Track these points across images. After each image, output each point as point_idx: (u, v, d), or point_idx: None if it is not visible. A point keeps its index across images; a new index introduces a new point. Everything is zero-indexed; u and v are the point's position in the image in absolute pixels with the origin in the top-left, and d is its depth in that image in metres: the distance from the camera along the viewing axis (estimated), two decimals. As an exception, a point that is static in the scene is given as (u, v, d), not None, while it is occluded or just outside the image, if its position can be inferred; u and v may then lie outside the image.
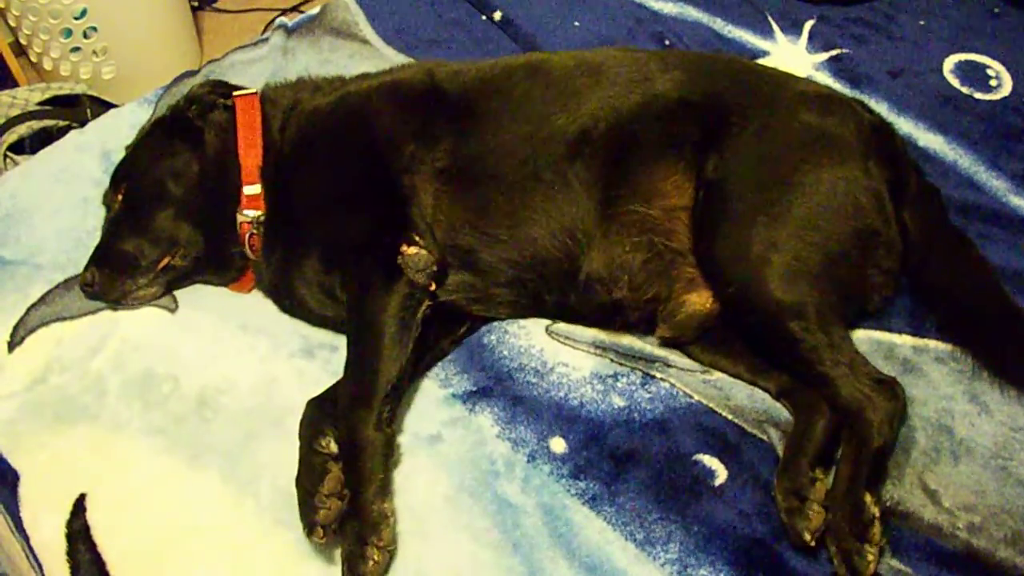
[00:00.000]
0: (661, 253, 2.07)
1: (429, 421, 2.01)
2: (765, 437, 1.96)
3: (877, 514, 1.75)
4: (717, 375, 2.09)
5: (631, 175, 2.10)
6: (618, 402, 2.02)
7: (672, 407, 2.01)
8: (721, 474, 1.90)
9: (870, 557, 1.72)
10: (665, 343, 2.14)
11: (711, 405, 2.01)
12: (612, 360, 2.10)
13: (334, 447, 1.86)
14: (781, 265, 1.95)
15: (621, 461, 1.92)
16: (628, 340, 2.15)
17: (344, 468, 1.82)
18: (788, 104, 2.17)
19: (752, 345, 2.07)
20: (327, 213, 2.16)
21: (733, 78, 2.24)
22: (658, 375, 2.07)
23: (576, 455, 1.94)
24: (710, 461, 1.92)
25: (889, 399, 1.89)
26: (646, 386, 2.05)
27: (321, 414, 1.93)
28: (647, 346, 2.14)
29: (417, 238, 2.03)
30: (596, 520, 1.84)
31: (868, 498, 1.77)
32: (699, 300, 2.07)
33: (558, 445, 1.95)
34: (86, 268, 2.20)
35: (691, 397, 2.03)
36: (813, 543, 1.75)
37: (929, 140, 2.59)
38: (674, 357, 2.12)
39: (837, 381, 1.90)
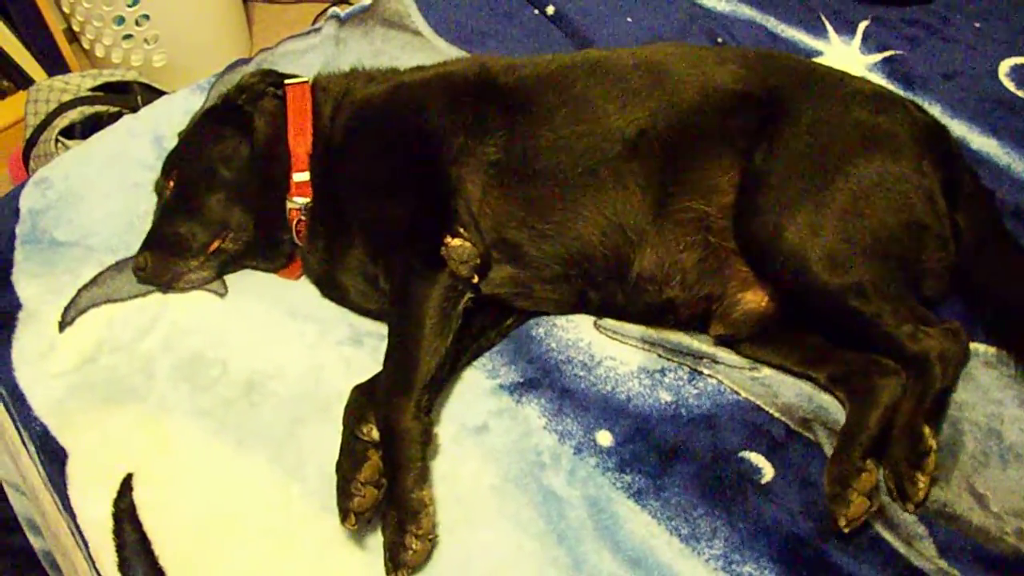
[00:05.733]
0: (717, 252, 2.07)
1: (476, 411, 2.01)
2: (812, 436, 1.95)
3: (934, 446, 1.82)
4: (765, 372, 2.08)
5: (688, 171, 2.09)
6: (665, 397, 2.02)
7: (719, 403, 2.01)
8: (767, 472, 1.89)
9: (921, 484, 1.80)
10: (720, 341, 2.13)
11: (759, 402, 2.00)
12: (660, 355, 2.10)
13: (376, 434, 1.86)
14: (829, 248, 1.95)
15: (667, 456, 1.92)
16: (676, 336, 2.14)
17: (383, 456, 1.83)
18: (842, 100, 2.15)
19: (814, 328, 2.07)
20: (373, 202, 2.16)
21: (789, 72, 2.22)
22: (705, 371, 2.07)
23: (622, 448, 1.93)
24: (756, 459, 1.92)
25: (953, 343, 1.95)
26: (693, 382, 2.05)
27: (365, 401, 1.93)
28: (695, 342, 2.13)
29: (461, 230, 2.03)
30: (641, 514, 1.84)
31: (927, 430, 1.84)
32: (755, 299, 2.07)
33: (604, 438, 1.95)
34: (139, 252, 2.21)
35: (738, 394, 2.02)
36: (847, 530, 1.75)
37: (983, 143, 2.56)
38: (722, 354, 2.11)
39: (903, 339, 1.93)
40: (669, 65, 2.22)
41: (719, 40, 2.93)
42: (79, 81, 3.59)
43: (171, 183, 2.29)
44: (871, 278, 1.94)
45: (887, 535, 1.80)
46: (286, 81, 2.36)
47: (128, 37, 4.34)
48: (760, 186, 2.04)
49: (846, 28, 2.98)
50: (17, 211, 2.47)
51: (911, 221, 2.01)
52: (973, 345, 2.08)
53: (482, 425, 1.99)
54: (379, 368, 1.99)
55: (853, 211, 1.98)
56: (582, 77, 2.22)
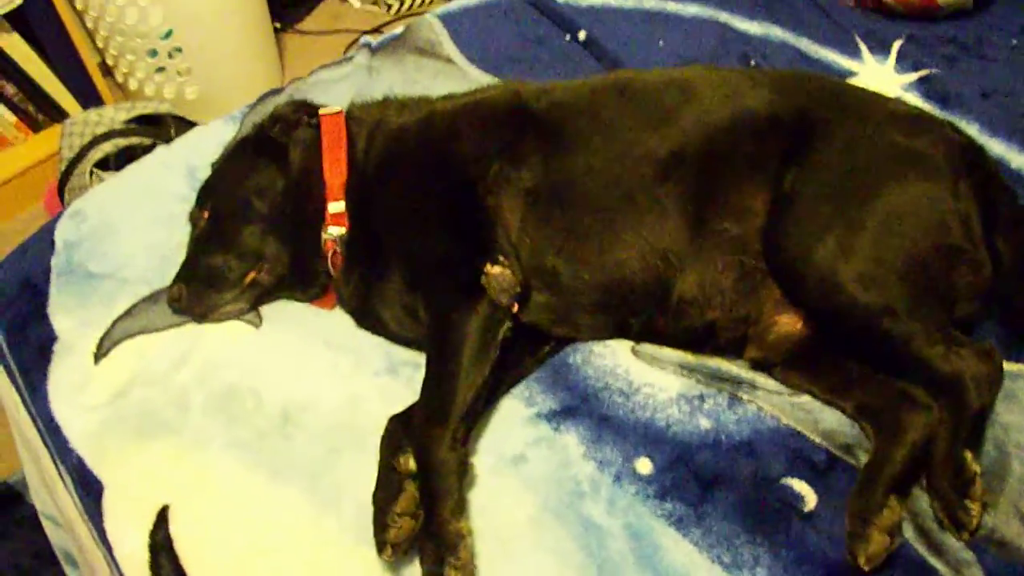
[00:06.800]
0: (751, 274, 2.04)
1: (514, 441, 1.99)
2: (855, 462, 1.91)
3: (978, 471, 1.79)
4: (805, 397, 2.04)
5: (722, 194, 2.07)
6: (705, 424, 1.99)
7: (759, 430, 1.98)
8: (810, 499, 1.86)
9: (974, 512, 1.76)
10: (755, 364, 2.11)
11: (799, 428, 1.97)
12: (699, 381, 2.07)
13: (412, 465, 1.85)
14: (860, 269, 1.92)
15: (708, 483, 1.89)
16: (715, 361, 2.12)
17: (419, 487, 1.82)
18: (876, 122, 2.12)
19: (845, 350, 2.03)
20: (411, 231, 2.15)
21: (821, 95, 2.20)
22: (745, 397, 2.04)
23: (662, 476, 1.91)
24: (799, 486, 1.88)
25: (986, 364, 1.89)
26: (733, 408, 2.02)
27: (401, 431, 1.92)
28: (733, 367, 2.11)
29: (501, 258, 2.02)
30: (683, 542, 1.81)
31: (968, 456, 1.81)
32: (789, 322, 2.04)
33: (644, 466, 1.93)
34: (173, 284, 2.21)
35: (779, 420, 1.99)
36: (868, 569, 1.71)
37: (1022, 162, 2.52)
38: (761, 379, 2.08)
39: (935, 360, 1.88)
40: (700, 87, 2.20)
41: (752, 63, 2.92)
42: (113, 114, 3.62)
43: (206, 214, 2.29)
44: (902, 299, 1.91)
45: (935, 562, 1.76)
46: (320, 111, 2.35)
47: (161, 70, 4.38)
48: (790, 208, 2.02)
49: (880, 48, 2.95)
50: (52, 243, 2.48)
51: (944, 244, 1.97)
52: (1018, 366, 2.05)
53: (520, 455, 1.96)
54: (415, 398, 1.98)
55: (885, 233, 1.95)
56: (614, 100, 2.21)
